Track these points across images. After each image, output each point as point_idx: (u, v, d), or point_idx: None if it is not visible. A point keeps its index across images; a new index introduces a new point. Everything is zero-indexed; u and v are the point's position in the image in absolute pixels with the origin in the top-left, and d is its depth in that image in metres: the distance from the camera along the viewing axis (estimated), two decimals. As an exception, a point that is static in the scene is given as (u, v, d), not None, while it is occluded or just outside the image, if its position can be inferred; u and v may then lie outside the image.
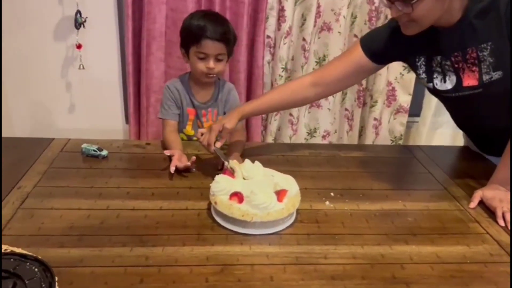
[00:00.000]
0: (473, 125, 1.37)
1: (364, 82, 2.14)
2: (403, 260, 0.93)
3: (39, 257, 0.81)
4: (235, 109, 1.31)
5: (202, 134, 1.25)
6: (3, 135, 1.58)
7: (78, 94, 2.16)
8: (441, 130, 2.36)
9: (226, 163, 1.17)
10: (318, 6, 1.97)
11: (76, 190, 1.14)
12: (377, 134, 2.26)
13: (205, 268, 0.87)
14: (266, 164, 1.15)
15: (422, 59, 1.22)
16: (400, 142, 2.26)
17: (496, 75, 1.12)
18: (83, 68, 2.00)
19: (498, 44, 1.08)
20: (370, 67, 1.28)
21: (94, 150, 1.32)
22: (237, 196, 1.00)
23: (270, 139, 2.16)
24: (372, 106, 2.19)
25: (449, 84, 1.20)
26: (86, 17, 1.93)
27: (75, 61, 2.05)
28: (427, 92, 2.24)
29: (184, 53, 1.48)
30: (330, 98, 2.14)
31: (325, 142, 2.23)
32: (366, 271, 0.89)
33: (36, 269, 0.78)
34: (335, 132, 2.24)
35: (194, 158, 1.27)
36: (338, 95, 2.17)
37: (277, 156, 1.40)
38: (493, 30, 1.08)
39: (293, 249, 0.95)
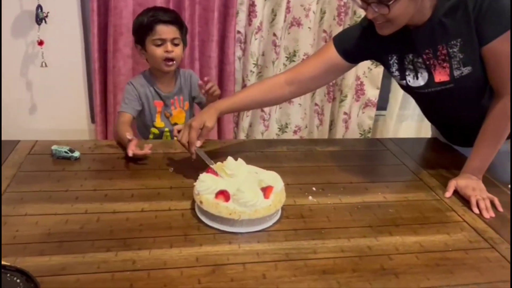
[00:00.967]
0: (444, 118, 1.42)
1: (333, 77, 2.17)
2: (389, 251, 0.95)
3: (18, 266, 0.77)
4: (211, 106, 1.29)
5: (179, 132, 1.21)
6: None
7: (40, 93, 2.06)
8: (406, 123, 2.43)
9: (209, 162, 1.15)
10: (288, 2, 1.98)
11: (50, 195, 1.08)
12: (346, 128, 2.30)
13: (196, 270, 0.85)
14: (245, 161, 1.14)
15: (395, 57, 1.25)
16: (369, 135, 2.32)
17: (466, 70, 1.16)
18: (46, 65, 1.90)
19: (467, 40, 1.12)
20: (343, 65, 1.29)
21: (66, 152, 1.27)
22: (223, 194, 0.98)
23: (242, 136, 2.15)
24: (341, 100, 2.22)
25: (421, 81, 1.24)
26: (48, 12, 1.83)
27: (36, 58, 1.95)
28: (393, 86, 2.31)
29: (140, 49, 1.52)
30: (301, 93, 2.16)
31: (296, 137, 2.24)
32: (356, 264, 0.91)
33: (18, 280, 0.74)
34: (306, 127, 2.26)
35: (150, 145, 1.25)
36: (308, 90, 2.19)
37: (255, 152, 1.39)
38: (462, 27, 1.12)
39: (282, 245, 0.95)
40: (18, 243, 0.89)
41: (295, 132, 2.25)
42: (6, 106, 2.02)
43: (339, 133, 2.30)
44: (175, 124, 1.55)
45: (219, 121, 2.09)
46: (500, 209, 1.13)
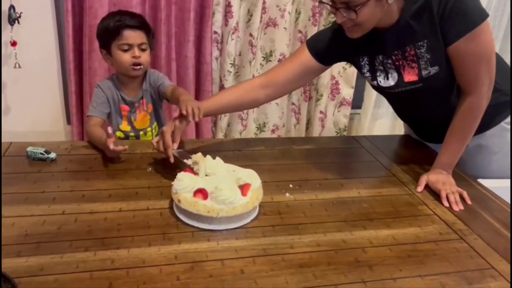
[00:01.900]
0: (415, 116, 1.47)
1: (309, 76, 2.21)
2: (363, 244, 0.98)
3: (-5, 268, 0.77)
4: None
5: (157, 142, 1.23)
6: None
7: (14, 95, 2.02)
8: (380, 121, 2.49)
9: (187, 162, 1.16)
10: (264, 2, 2.00)
11: (26, 196, 1.07)
12: (323, 126, 2.34)
13: (175, 267, 0.87)
14: (224, 160, 1.16)
15: (366, 58, 1.29)
16: (345, 133, 2.37)
17: (433, 69, 1.21)
18: (19, 67, 1.87)
19: (433, 41, 1.17)
20: (317, 68, 1.33)
21: (41, 153, 1.25)
22: (202, 192, 1.00)
23: (220, 135, 2.16)
24: (317, 100, 2.26)
25: (391, 81, 1.28)
26: (21, 12, 1.80)
27: (9, 59, 1.91)
28: (367, 86, 2.36)
29: (105, 54, 1.49)
30: (278, 93, 2.19)
31: (274, 136, 2.27)
32: (331, 257, 0.93)
33: (-5, 282, 0.73)
34: (283, 126, 2.29)
35: (126, 146, 1.25)
36: (285, 89, 2.22)
37: (233, 152, 1.41)
38: (427, 28, 1.16)
39: (260, 241, 0.97)
40: (-6, 245, 0.89)
41: (273, 131, 2.28)
42: (-22, 108, 1.98)
43: (316, 132, 2.34)
44: (141, 129, 1.55)
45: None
46: (469, 202, 1.18)
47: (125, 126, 1.54)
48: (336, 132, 2.36)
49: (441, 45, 1.16)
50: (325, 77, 2.19)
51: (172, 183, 1.06)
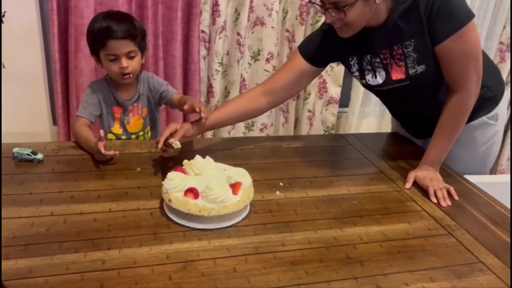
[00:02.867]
0: (404, 112, 1.50)
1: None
2: (354, 241, 0.99)
3: (-17, 272, 0.75)
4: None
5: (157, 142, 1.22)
6: None
7: (-2, 95, 1.98)
8: (367, 119, 2.51)
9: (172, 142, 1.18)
10: (251, 1, 1.99)
11: (13, 198, 1.06)
12: (311, 125, 2.35)
13: (167, 267, 0.86)
14: (214, 159, 1.15)
15: (355, 58, 1.31)
16: (332, 131, 2.38)
17: (420, 68, 1.22)
18: (4, 67, 1.84)
19: (420, 41, 1.19)
20: (312, 71, 1.36)
21: (28, 154, 1.24)
22: (192, 192, 0.99)
23: (209, 134, 2.15)
24: (306, 98, 2.27)
25: (379, 79, 1.30)
26: (5, 12, 1.77)
27: (-8, 59, 1.87)
28: (354, 84, 2.38)
29: (96, 59, 1.47)
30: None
31: (263, 135, 2.27)
32: (323, 254, 0.94)
33: (-17, 285, 0.72)
34: (272, 125, 2.30)
35: (117, 152, 1.24)
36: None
37: (223, 151, 1.41)
38: (415, 28, 1.17)
39: (252, 239, 0.97)
40: (-19, 248, 0.87)
41: (261, 130, 2.28)
42: (-39, 109, 1.94)
43: (304, 130, 2.34)
44: (133, 132, 1.54)
45: (185, 119, 2.09)
46: (456, 197, 1.20)
47: (117, 129, 1.51)
48: (324, 130, 2.37)
49: (428, 44, 1.18)
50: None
51: (162, 182, 1.05)
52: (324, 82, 2.25)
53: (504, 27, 2.39)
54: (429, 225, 1.08)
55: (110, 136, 1.52)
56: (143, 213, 1.04)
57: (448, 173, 1.36)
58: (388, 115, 2.40)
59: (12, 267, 0.83)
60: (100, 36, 1.38)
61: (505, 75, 2.46)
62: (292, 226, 1.03)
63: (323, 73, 2.26)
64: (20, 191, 1.09)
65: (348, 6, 1.08)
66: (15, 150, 1.24)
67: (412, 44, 1.19)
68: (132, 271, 0.84)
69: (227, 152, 1.41)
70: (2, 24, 1.78)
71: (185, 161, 1.13)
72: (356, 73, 1.33)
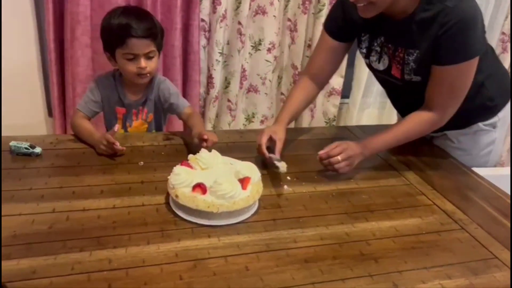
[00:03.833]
0: (399, 104, 1.49)
1: (298, 65, 2.17)
2: (367, 237, 0.97)
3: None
4: (275, 124, 1.30)
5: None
6: None
7: (-10, 86, 1.92)
8: (369, 111, 2.48)
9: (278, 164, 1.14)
10: (252, -11, 1.95)
11: (12, 194, 1.01)
12: (312, 116, 2.32)
13: (177, 266, 0.83)
14: (219, 152, 1.11)
15: (367, 35, 1.29)
16: (334, 123, 2.35)
17: (416, 78, 1.21)
18: (-3, 56, 1.78)
19: (422, 54, 1.16)
20: (341, 47, 1.33)
21: (26, 148, 1.19)
22: (200, 187, 0.96)
23: (209, 126, 2.11)
24: (307, 89, 2.23)
25: (381, 66, 1.29)
26: (-3, -1, 1.71)
27: (-15, 48, 1.81)
28: (356, 75, 2.34)
29: (109, 56, 1.37)
30: (267, 82, 2.15)
31: (263, 126, 2.23)
32: (336, 251, 0.91)
33: (-14, 288, 0.68)
34: (272, 116, 2.26)
35: (124, 148, 1.21)
36: (274, 79, 2.18)
37: (227, 144, 1.37)
38: (424, 41, 1.15)
39: (262, 236, 0.94)
40: (-20, 247, 0.83)
41: (262, 122, 2.24)
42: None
43: (305, 122, 2.31)
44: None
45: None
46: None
47: (118, 129, 1.45)
48: (325, 122, 2.33)
49: (430, 59, 1.16)
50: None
51: (168, 177, 1.02)
52: (326, 72, 2.21)
53: (507, 17, 2.36)
54: (441, 219, 1.06)
55: None
56: (149, 209, 1.00)
57: (455, 165, 1.34)
58: (390, 106, 2.38)
59: (15, 267, 0.79)
60: (119, 33, 1.29)
61: (506, 65, 2.44)
62: (303, 222, 1.00)
63: (324, 63, 2.21)
64: (19, 187, 1.05)
65: None
66: (12, 143, 1.20)
67: (415, 54, 1.18)
68: (141, 270, 0.81)
69: (231, 145, 1.37)
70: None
71: (191, 156, 1.09)
72: (364, 50, 1.32)
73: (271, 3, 1.99)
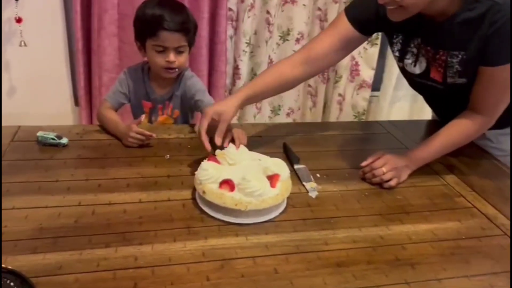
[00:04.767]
0: (435, 105, 1.42)
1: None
2: (402, 241, 0.92)
3: (10, 267, 0.70)
4: (231, 96, 1.19)
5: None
6: None
7: (19, 75, 1.93)
8: (399, 104, 2.40)
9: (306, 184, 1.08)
10: (282, -22, 1.89)
11: (39, 186, 1.00)
12: (341, 109, 2.26)
13: (203, 265, 0.80)
14: (246, 147, 1.09)
15: (400, 36, 1.20)
16: (363, 117, 2.28)
17: (460, 80, 1.13)
18: (25, 45, 1.78)
19: (470, 55, 1.08)
20: (357, 38, 1.22)
21: (53, 138, 1.18)
22: (228, 184, 0.93)
23: (234, 119, 2.07)
24: (336, 81, 2.17)
25: (417, 69, 1.20)
26: (26, -12, 1.71)
27: (14, 37, 1.82)
28: (388, 67, 2.26)
29: (139, 46, 1.35)
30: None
31: (289, 119, 2.19)
32: (370, 255, 0.87)
33: (11, 283, 0.67)
34: (299, 109, 2.21)
35: (154, 134, 1.19)
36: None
37: (253, 138, 1.33)
38: (471, 42, 1.07)
39: (292, 236, 0.90)
40: (7, 240, 0.82)
41: (288, 114, 2.20)
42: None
43: (333, 115, 2.25)
44: None
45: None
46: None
47: (145, 122, 1.43)
48: (354, 115, 2.27)
49: (477, 61, 1.08)
50: (345, 58, 2.09)
51: (195, 172, 0.99)
52: (357, 64, 2.14)
53: None
54: (482, 224, 1.00)
55: None
56: (175, 204, 0.98)
57: (497, 166, 1.26)
58: (422, 100, 2.29)
59: (41, 262, 0.77)
60: (151, 24, 1.27)
61: None
62: (334, 223, 0.96)
63: (355, 55, 2.15)
64: (45, 178, 1.03)
65: None
66: (39, 134, 1.19)
67: (460, 56, 1.09)
68: (167, 269, 0.79)
69: (258, 139, 1.33)
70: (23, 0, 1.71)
71: (218, 151, 1.05)
72: (396, 53, 1.22)
73: (302, -8, 1.93)
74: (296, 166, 1.15)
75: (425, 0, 1.01)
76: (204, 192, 0.94)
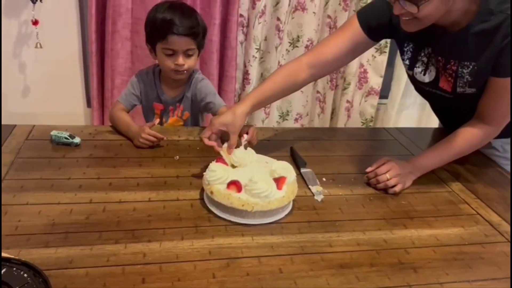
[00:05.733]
0: (442, 114, 1.42)
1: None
2: (406, 245, 0.93)
3: (24, 259, 0.73)
4: (238, 103, 1.19)
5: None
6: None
7: (34, 76, 1.98)
8: (407, 112, 2.41)
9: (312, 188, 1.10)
10: (293, -15, 1.92)
11: (52, 182, 1.03)
12: (348, 116, 2.27)
13: (210, 263, 0.82)
14: (254, 150, 1.10)
15: (411, 45, 1.21)
16: (371, 124, 2.29)
17: (470, 90, 1.14)
18: (41, 46, 1.83)
19: (481, 66, 1.09)
20: (366, 43, 1.23)
21: (66, 138, 1.21)
22: (236, 185, 0.95)
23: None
24: (344, 88, 2.19)
25: (427, 78, 1.21)
26: (43, -9, 1.75)
27: (30, 39, 1.87)
28: (396, 74, 2.28)
29: (150, 48, 1.39)
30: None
31: (297, 125, 2.21)
32: (373, 258, 0.88)
33: (25, 274, 0.69)
34: (307, 115, 2.23)
35: (164, 137, 1.23)
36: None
37: (261, 141, 1.35)
38: (483, 53, 1.07)
39: (296, 238, 0.92)
40: (21, 234, 0.85)
41: (296, 120, 2.22)
42: (-2, 88, 1.95)
43: (341, 122, 2.27)
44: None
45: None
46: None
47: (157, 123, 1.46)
48: (362, 122, 2.28)
49: (488, 71, 1.09)
50: (353, 65, 2.11)
51: (204, 173, 1.01)
52: (365, 72, 2.16)
53: None
54: (485, 230, 1.01)
55: None
56: (183, 204, 1.00)
57: (502, 174, 1.27)
58: (429, 108, 2.30)
59: (53, 255, 0.80)
60: (161, 27, 1.31)
61: None
62: (339, 226, 0.97)
63: (364, 62, 2.17)
64: (58, 176, 1.07)
65: (423, 1, 0.97)
66: (53, 133, 1.22)
67: (471, 67, 1.10)
68: (174, 266, 0.81)
69: (266, 143, 1.35)
70: (40, 3, 1.76)
71: (224, 146, 1.08)
72: (407, 62, 1.23)
73: (312, 0, 1.96)
74: (302, 170, 1.17)
75: (440, 12, 1.02)
76: (212, 193, 0.96)
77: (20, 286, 0.66)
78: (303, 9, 1.98)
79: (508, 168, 1.31)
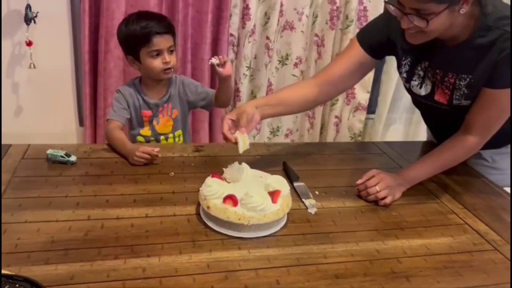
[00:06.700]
0: (436, 126, 1.46)
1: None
2: (398, 255, 0.96)
3: (27, 276, 0.74)
4: (246, 104, 1.23)
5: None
6: None
7: (27, 96, 1.99)
8: (394, 126, 2.47)
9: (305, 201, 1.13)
10: (281, 5, 1.98)
11: (49, 200, 1.05)
12: (337, 131, 2.32)
13: (208, 276, 0.84)
14: (247, 165, 1.12)
15: (409, 59, 1.25)
16: (359, 138, 2.34)
17: (466, 102, 1.18)
18: (34, 67, 1.85)
19: (477, 80, 1.14)
20: (370, 62, 1.28)
21: (62, 156, 1.23)
22: (231, 199, 0.97)
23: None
24: (333, 104, 2.24)
25: (423, 91, 1.25)
26: (37, 12, 1.78)
27: (23, 59, 1.89)
28: (382, 90, 2.34)
29: (132, 59, 1.47)
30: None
31: (288, 140, 2.25)
32: (367, 268, 0.91)
33: (28, 291, 0.70)
34: (297, 130, 2.27)
35: (158, 149, 1.26)
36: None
37: (254, 156, 1.38)
38: (480, 66, 1.12)
39: (292, 250, 0.94)
40: (20, 251, 0.86)
41: (286, 135, 2.26)
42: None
43: (330, 137, 2.32)
44: (162, 133, 1.52)
45: (211, 123, 2.07)
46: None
47: (146, 131, 1.51)
48: (350, 137, 2.33)
49: (482, 84, 1.14)
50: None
51: (200, 188, 1.03)
52: (352, 88, 2.22)
53: None
54: (473, 239, 1.04)
55: (139, 138, 1.52)
56: (180, 219, 1.02)
57: (487, 185, 1.31)
58: (416, 122, 2.36)
59: (53, 272, 0.81)
60: (143, 34, 1.39)
61: None
62: (332, 237, 1.00)
63: (351, 79, 2.22)
64: (55, 194, 1.08)
65: (433, 16, 1.01)
66: (49, 151, 1.24)
67: (468, 79, 1.15)
68: (174, 280, 0.82)
69: (259, 158, 1.38)
70: (34, 24, 1.78)
71: (238, 133, 1.12)
72: (404, 75, 1.28)
73: (299, 19, 2.02)
74: (295, 184, 1.20)
75: (445, 26, 1.07)
76: (208, 207, 0.98)
77: (24, 302, 0.68)
78: (292, 28, 2.04)
79: (497, 177, 1.35)
